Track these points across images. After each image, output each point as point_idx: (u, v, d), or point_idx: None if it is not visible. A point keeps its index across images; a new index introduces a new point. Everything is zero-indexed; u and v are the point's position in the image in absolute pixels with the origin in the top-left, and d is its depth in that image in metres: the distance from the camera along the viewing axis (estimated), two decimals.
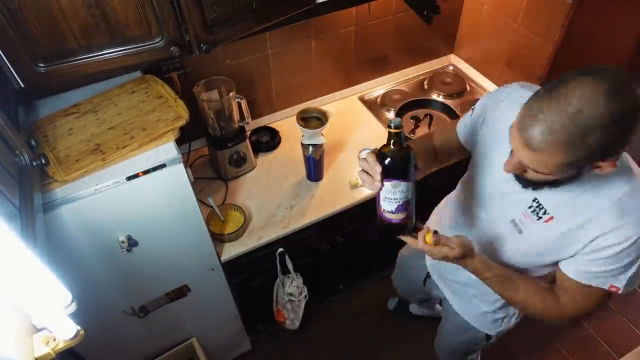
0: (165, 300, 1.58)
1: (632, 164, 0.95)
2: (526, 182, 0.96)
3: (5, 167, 0.86)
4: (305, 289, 1.84)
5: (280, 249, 1.69)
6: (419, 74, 2.27)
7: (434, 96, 2.12)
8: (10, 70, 1.03)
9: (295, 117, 1.62)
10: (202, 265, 1.56)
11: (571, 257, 0.98)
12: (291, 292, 1.80)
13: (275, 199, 1.72)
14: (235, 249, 1.57)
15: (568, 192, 0.94)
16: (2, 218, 0.67)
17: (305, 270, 1.83)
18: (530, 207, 1.02)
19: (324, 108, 1.69)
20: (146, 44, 1.14)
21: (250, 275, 1.76)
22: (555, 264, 1.03)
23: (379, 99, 2.14)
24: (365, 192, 1.73)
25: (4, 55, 1.00)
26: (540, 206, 1.00)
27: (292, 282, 1.80)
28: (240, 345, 2.13)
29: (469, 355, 1.66)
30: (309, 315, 2.09)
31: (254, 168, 1.84)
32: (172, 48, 1.17)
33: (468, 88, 2.16)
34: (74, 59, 1.08)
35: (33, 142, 1.04)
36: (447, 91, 2.14)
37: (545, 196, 0.98)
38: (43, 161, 1.02)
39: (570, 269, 0.99)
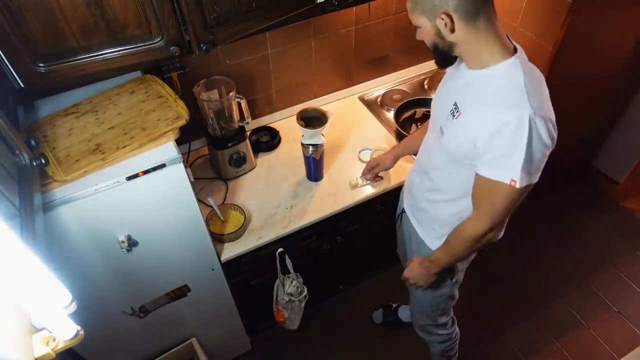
0: (165, 300, 1.58)
1: (523, 62, 1.10)
2: (434, 58, 1.18)
3: (5, 167, 0.86)
4: (305, 289, 1.84)
5: (280, 249, 1.69)
6: (419, 74, 2.27)
7: (434, 96, 2.12)
8: (10, 70, 1.03)
9: (295, 117, 1.62)
10: (202, 265, 1.56)
11: (478, 156, 1.11)
12: (291, 292, 1.80)
13: (275, 199, 1.72)
14: (235, 249, 1.57)
15: (469, 87, 1.14)
16: (2, 218, 0.67)
17: (305, 270, 1.83)
18: (450, 111, 1.19)
19: (324, 108, 1.68)
20: (146, 43, 1.14)
21: (250, 275, 1.76)
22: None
23: (379, 99, 2.14)
24: (365, 192, 1.73)
25: (4, 55, 1.00)
26: (456, 107, 1.17)
27: (292, 282, 1.79)
28: (240, 345, 2.13)
29: (441, 303, 1.63)
30: (309, 315, 2.09)
31: (254, 168, 1.84)
32: (172, 48, 1.17)
33: None
34: (74, 58, 1.09)
35: (33, 142, 1.04)
36: None
37: (459, 97, 1.17)
38: (43, 161, 1.02)
39: (479, 169, 1.12)
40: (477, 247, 1.26)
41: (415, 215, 1.50)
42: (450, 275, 1.49)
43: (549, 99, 1.09)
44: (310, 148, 1.65)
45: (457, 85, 1.19)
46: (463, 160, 1.18)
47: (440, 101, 1.29)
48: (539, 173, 1.09)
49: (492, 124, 1.04)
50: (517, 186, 1.06)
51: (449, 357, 1.93)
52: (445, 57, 1.15)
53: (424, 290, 1.51)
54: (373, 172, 1.70)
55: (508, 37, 1.12)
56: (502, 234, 1.20)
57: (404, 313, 2.21)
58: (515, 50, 1.11)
